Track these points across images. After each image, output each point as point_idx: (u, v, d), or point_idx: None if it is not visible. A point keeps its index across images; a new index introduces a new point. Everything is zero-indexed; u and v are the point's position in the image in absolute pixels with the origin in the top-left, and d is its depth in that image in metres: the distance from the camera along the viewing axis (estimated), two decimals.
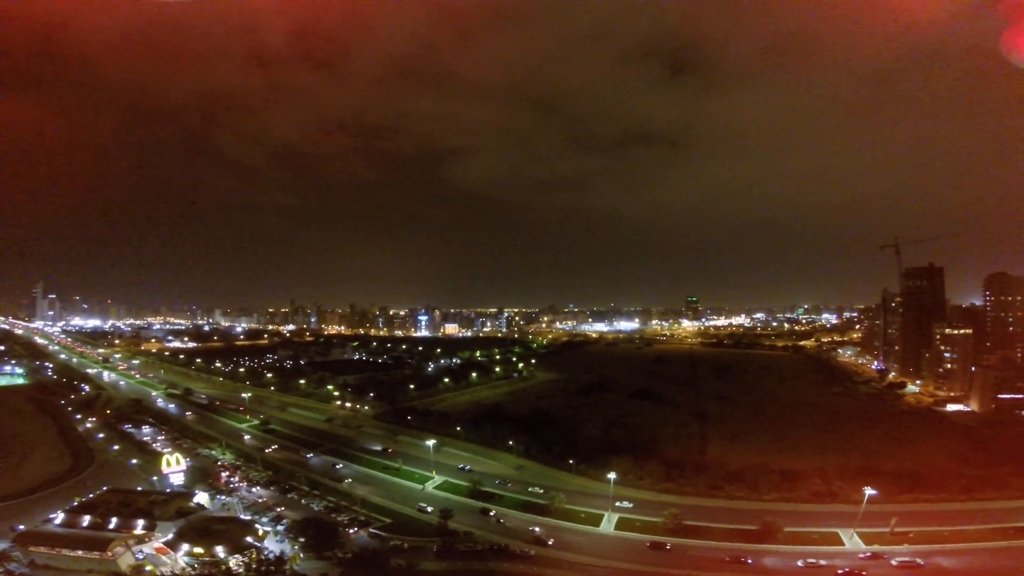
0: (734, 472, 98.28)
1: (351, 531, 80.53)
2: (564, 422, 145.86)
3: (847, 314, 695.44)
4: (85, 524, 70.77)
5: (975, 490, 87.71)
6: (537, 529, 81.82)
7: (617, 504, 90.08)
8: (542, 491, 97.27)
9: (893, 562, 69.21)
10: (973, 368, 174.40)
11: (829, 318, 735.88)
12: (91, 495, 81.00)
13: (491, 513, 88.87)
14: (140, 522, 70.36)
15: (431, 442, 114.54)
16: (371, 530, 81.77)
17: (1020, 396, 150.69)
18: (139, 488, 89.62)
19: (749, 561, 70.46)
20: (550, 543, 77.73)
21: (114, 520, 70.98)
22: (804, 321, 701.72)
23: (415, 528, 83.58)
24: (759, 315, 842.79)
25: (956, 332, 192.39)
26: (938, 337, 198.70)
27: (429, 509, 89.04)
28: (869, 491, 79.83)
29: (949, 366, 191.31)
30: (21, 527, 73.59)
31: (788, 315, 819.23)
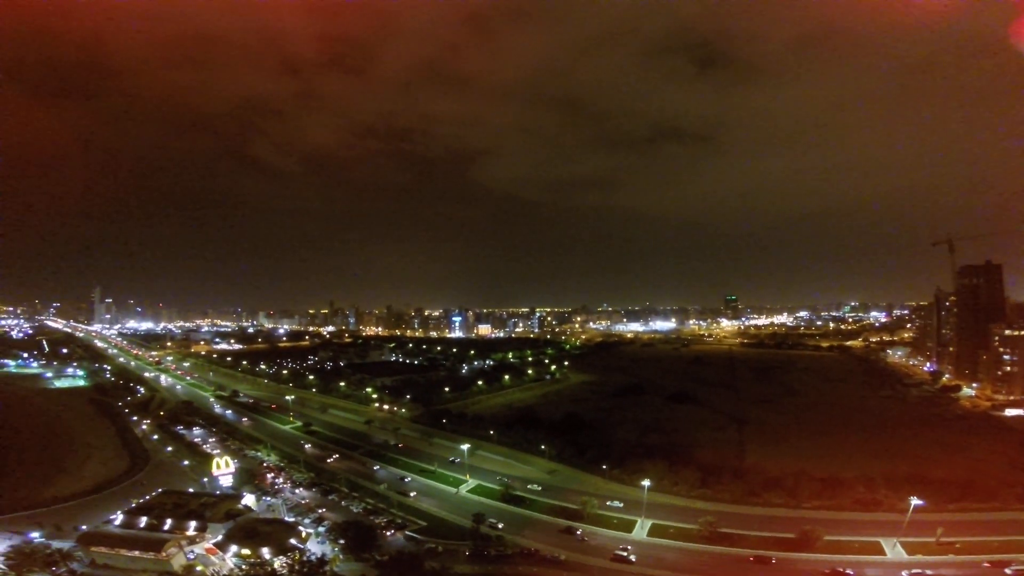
0: (773, 479, 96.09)
1: (388, 533, 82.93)
2: (598, 425, 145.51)
3: (897, 312, 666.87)
4: (142, 525, 75.40)
5: None
6: (628, 548, 76.47)
7: (612, 504, 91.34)
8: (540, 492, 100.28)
9: (1008, 571, 66.50)
10: None
11: (878, 316, 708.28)
12: (147, 496, 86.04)
13: (577, 531, 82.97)
14: (192, 523, 74.61)
15: (465, 446, 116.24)
16: (407, 532, 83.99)
17: None
18: (191, 490, 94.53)
19: (850, 572, 67.93)
20: (633, 559, 74.08)
21: (169, 521, 75.40)
22: (851, 320, 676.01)
23: (449, 531, 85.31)
24: (803, 314, 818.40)
25: (1017, 333, 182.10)
26: (997, 338, 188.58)
27: (500, 525, 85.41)
28: (915, 501, 77.18)
29: (1009, 368, 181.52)
30: (83, 527, 78.96)
31: (834, 313, 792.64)
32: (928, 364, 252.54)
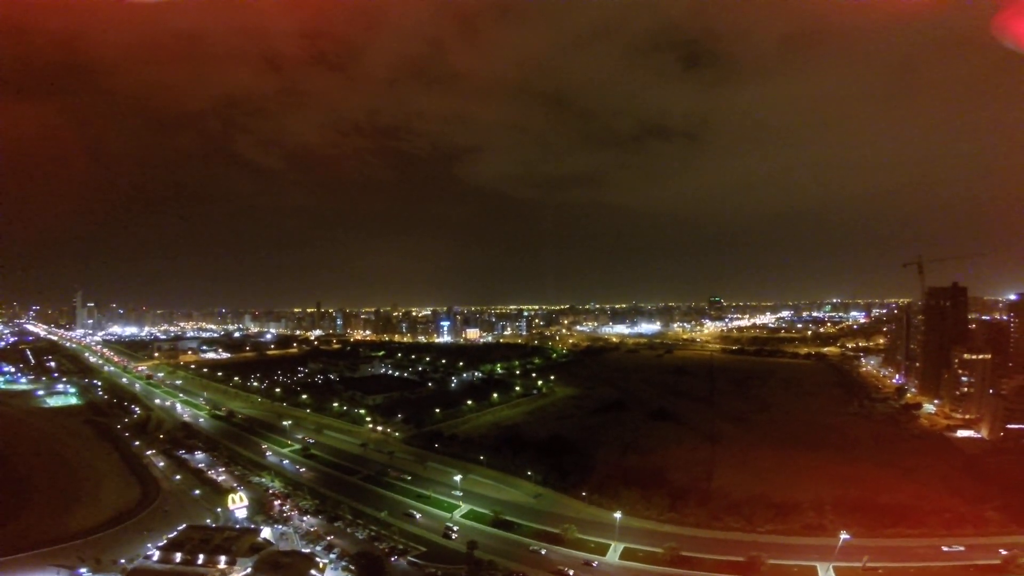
0: (734, 503, 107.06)
1: (392, 559, 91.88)
2: (581, 445, 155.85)
3: (876, 311, 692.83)
4: (178, 560, 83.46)
5: (956, 526, 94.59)
6: None
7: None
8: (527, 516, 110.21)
9: None
10: (991, 390, 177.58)
11: (857, 316, 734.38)
12: (175, 531, 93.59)
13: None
14: (223, 558, 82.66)
15: (458, 477, 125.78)
16: (409, 558, 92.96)
17: None
18: (212, 524, 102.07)
19: None
20: None
21: (201, 556, 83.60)
22: (830, 323, 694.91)
23: (446, 556, 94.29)
24: (784, 314, 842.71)
25: (975, 357, 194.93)
26: (957, 360, 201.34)
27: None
28: (844, 535, 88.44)
29: (966, 389, 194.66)
30: (122, 560, 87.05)
31: (815, 314, 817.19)
32: (897, 376, 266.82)
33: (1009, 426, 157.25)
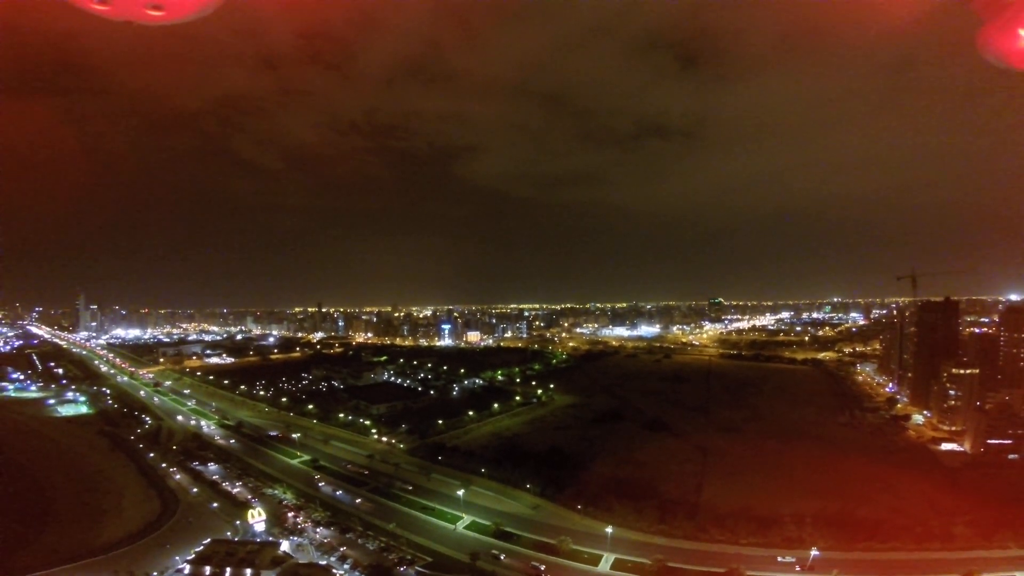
0: (720, 516, 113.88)
1: (401, 569, 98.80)
2: (578, 457, 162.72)
3: (876, 312, 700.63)
4: (208, 573, 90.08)
5: (925, 540, 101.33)
6: None
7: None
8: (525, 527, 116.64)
9: None
10: (978, 403, 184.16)
11: (856, 318, 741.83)
12: (202, 545, 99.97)
13: None
14: (248, 571, 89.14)
15: (460, 492, 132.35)
16: (417, 568, 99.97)
17: (1008, 442, 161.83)
18: (233, 537, 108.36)
19: None
20: None
21: (228, 570, 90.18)
22: (829, 326, 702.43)
23: (451, 566, 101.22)
24: (784, 315, 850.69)
25: (963, 372, 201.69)
26: (945, 375, 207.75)
27: (502, 556, 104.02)
28: (814, 552, 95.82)
29: (953, 403, 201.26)
30: (155, 574, 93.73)
31: (815, 315, 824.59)
32: (890, 384, 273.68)
33: (990, 441, 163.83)
